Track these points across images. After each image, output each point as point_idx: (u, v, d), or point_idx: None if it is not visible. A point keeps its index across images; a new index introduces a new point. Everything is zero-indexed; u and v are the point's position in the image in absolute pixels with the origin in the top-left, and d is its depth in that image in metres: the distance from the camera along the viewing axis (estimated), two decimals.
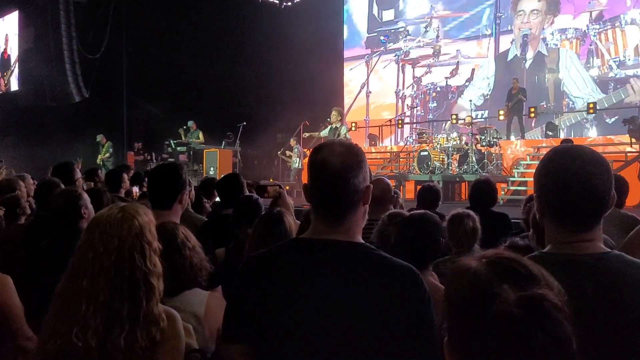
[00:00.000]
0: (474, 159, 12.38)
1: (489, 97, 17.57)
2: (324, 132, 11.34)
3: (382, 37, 20.09)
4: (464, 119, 13.92)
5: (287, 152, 16.50)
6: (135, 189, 6.19)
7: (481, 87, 17.87)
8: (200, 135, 16.11)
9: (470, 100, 14.71)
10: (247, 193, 4.06)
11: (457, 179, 12.52)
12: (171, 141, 16.28)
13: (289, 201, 3.64)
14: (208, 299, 2.28)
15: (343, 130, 10.96)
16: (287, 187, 15.15)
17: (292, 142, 16.31)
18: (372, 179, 1.87)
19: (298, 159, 15.82)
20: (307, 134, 11.85)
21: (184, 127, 16.16)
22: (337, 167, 1.62)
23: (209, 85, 19.29)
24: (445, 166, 12.68)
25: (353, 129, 11.02)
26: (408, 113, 19.10)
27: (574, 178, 1.53)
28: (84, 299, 1.76)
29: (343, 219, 1.65)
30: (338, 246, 1.63)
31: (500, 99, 15.42)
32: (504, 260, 1.09)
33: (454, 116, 14.95)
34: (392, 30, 19.98)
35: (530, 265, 1.09)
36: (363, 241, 1.68)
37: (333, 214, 1.65)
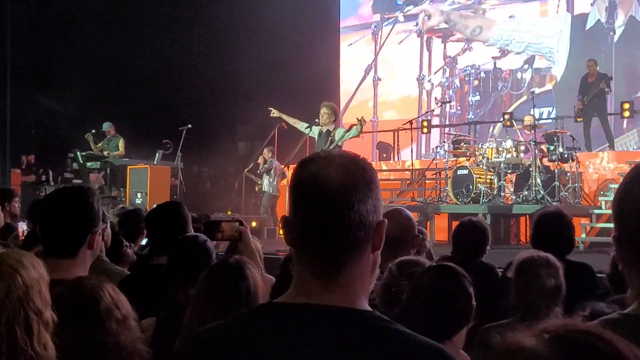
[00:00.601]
0: (538, 180, 12.44)
1: (558, 85, 17.74)
2: (313, 132, 11.36)
3: None
4: (523, 120, 14.01)
5: (258, 169, 16.48)
6: (22, 226, 6.22)
7: (548, 70, 18.05)
8: (121, 143, 16.10)
9: (532, 91, 14.83)
10: (191, 232, 4.05)
11: (513, 212, 12.55)
12: (78, 153, 16.21)
13: (255, 245, 3.68)
14: None
15: (340, 134, 10.96)
16: (255, 224, 15.14)
17: (266, 154, 16.29)
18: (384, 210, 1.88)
19: (272, 180, 15.81)
20: (281, 116, 11.78)
21: (93, 131, 16.12)
22: (334, 186, 1.65)
23: (136, 70, 19.35)
24: (495, 192, 12.72)
25: (360, 127, 10.89)
26: (437, 111, 19.22)
27: None
28: None
29: (341, 270, 1.66)
30: (333, 316, 1.63)
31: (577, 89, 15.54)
32: (578, 336, 1.08)
33: (507, 116, 15.04)
34: None
35: (618, 343, 1.07)
36: (370, 308, 1.68)
37: (327, 262, 1.66)
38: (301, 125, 11.64)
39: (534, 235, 4.82)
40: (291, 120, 11.82)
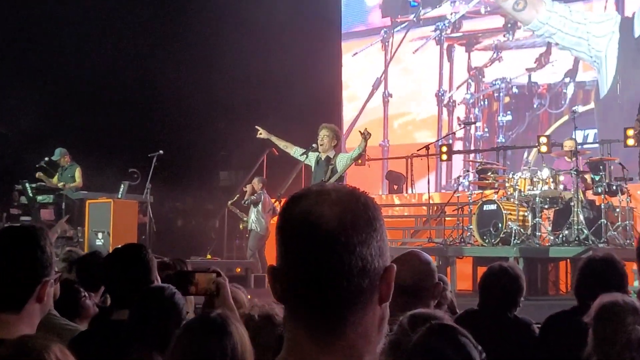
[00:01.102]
0: (581, 217, 12.41)
1: (603, 101, 17.77)
2: (309, 159, 11.30)
3: None
4: (563, 145, 14.01)
5: (244, 200, 16.44)
6: None
7: (593, 84, 18.07)
8: (77, 173, 16.10)
9: (574, 110, 14.80)
10: (157, 281, 4.06)
11: (551, 255, 12.48)
12: (27, 184, 16.20)
13: (239, 296, 3.78)
14: None
15: (342, 161, 10.95)
16: (239, 270, 15.08)
17: (255, 184, 16.14)
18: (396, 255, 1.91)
19: (261, 216, 15.75)
20: (269, 137, 11.69)
21: (46, 159, 16.12)
22: (331, 226, 1.65)
23: (97, 86, 19.37)
24: (529, 231, 12.68)
25: (365, 142, 10.76)
26: (460, 133, 19.21)
27: None
28: None
29: (342, 328, 1.67)
30: None
31: (625, 106, 15.55)
32: None
33: (544, 139, 15.03)
34: None
35: None
36: None
37: (324, 319, 1.67)
38: (295, 151, 11.57)
39: (578, 284, 4.82)
40: (282, 144, 11.73)
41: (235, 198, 16.80)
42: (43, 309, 2.95)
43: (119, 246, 4.55)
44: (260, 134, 11.72)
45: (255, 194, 15.93)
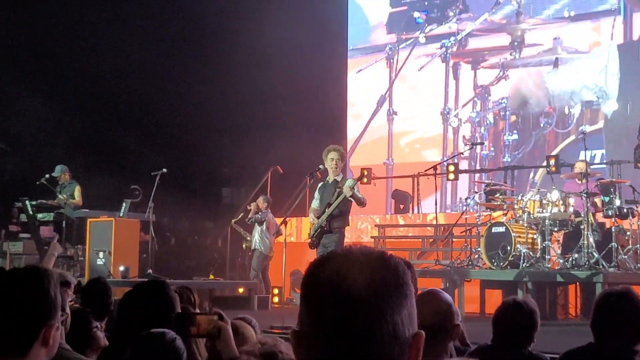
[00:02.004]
0: (591, 240, 12.37)
1: (610, 121, 17.76)
2: (314, 202, 11.40)
3: (417, 14, 20.46)
4: (573, 166, 13.98)
5: (248, 219, 16.38)
6: None
7: (599, 104, 18.06)
8: (77, 191, 16.10)
9: (582, 130, 14.77)
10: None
11: (561, 279, 12.47)
12: (27, 202, 16.20)
13: (247, 333, 3.87)
14: None
15: (349, 188, 10.91)
16: (242, 290, 15.07)
17: (260, 203, 16.07)
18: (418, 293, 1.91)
19: (265, 236, 15.68)
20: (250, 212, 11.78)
21: (47, 176, 16.11)
22: (361, 291, 1.66)
23: (99, 102, 19.38)
24: (539, 254, 12.66)
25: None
26: (467, 153, 19.19)
27: None
28: None
29: None
30: None
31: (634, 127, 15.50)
32: None
33: (551, 160, 14.98)
34: (437, 2, 20.37)
35: None
36: None
37: None
38: (313, 203, 11.65)
39: (595, 320, 4.75)
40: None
41: (240, 217, 16.72)
42: (49, 352, 2.90)
43: (141, 281, 4.59)
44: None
45: (260, 213, 15.87)
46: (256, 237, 15.86)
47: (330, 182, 11.20)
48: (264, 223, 15.73)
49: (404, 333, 1.67)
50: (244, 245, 16.83)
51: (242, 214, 16.89)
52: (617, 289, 4.91)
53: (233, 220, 17.01)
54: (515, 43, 19.15)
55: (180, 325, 3.60)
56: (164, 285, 4.36)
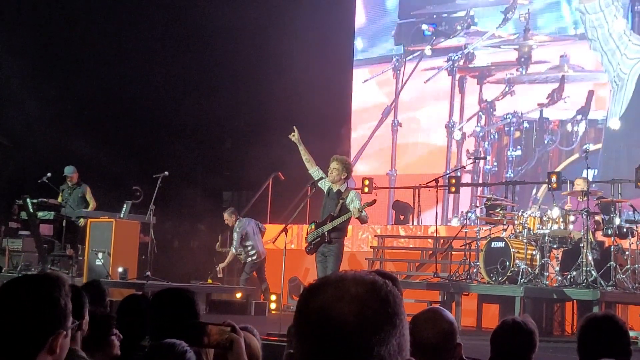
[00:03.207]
0: (590, 258, 12.37)
1: (609, 138, 17.77)
2: (323, 185, 11.32)
3: (425, 27, 20.46)
4: (574, 183, 14.00)
5: (220, 249, 16.50)
6: None
7: (605, 122, 18.08)
8: (89, 194, 16.06)
9: (585, 149, 14.78)
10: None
11: (558, 296, 12.48)
12: (28, 200, 16.12)
13: (253, 344, 3.70)
14: None
15: (351, 201, 10.87)
16: (239, 295, 15.05)
17: (227, 218, 16.03)
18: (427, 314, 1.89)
19: (244, 249, 15.73)
20: (299, 144, 11.56)
21: (49, 175, 16.10)
22: (349, 326, 1.65)
23: (103, 104, 19.41)
24: (537, 270, 12.64)
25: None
26: (469, 167, 19.22)
27: None
28: None
29: None
30: None
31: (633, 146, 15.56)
32: None
33: (553, 177, 15.02)
34: (445, 16, 20.37)
35: None
36: None
37: None
38: (315, 170, 11.47)
39: (580, 344, 4.79)
40: (306, 157, 11.56)
41: (219, 241, 16.97)
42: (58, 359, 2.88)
43: (163, 289, 4.57)
44: (293, 135, 11.55)
45: (234, 229, 15.75)
46: (242, 252, 15.75)
47: (334, 190, 11.11)
48: (239, 235, 15.63)
49: None
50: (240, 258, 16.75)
51: (219, 238, 17.07)
52: (600, 314, 4.94)
53: (217, 245, 17.14)
54: (522, 59, 19.12)
55: (191, 334, 3.39)
56: (187, 292, 4.35)
